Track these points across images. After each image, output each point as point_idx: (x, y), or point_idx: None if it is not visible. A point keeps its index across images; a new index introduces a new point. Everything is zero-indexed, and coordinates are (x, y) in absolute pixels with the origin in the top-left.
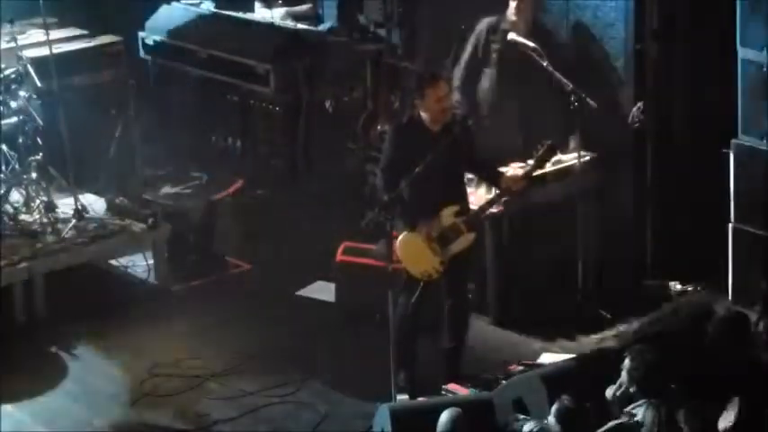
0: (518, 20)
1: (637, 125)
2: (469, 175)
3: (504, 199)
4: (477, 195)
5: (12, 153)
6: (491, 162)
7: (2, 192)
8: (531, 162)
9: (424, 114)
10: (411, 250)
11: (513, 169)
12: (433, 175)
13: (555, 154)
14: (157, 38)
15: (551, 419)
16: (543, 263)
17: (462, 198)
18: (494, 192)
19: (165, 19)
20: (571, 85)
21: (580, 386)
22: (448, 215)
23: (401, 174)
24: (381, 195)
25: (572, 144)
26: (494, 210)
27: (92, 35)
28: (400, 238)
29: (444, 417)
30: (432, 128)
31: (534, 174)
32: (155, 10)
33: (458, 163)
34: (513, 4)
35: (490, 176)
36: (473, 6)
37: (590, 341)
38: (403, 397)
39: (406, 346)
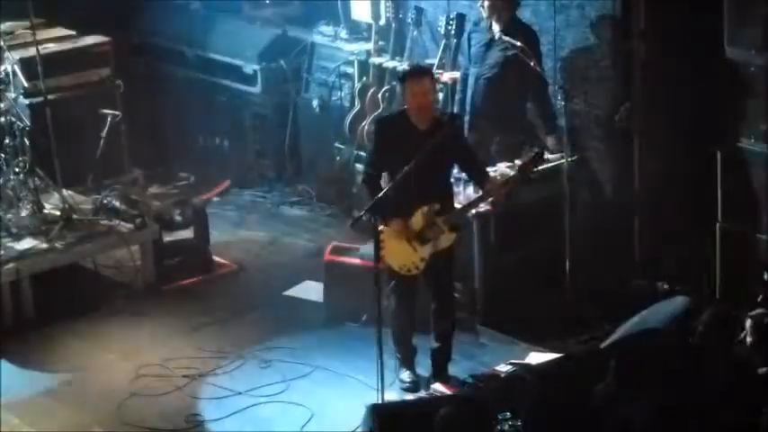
0: (491, 19)
1: (624, 124)
2: (459, 175)
3: (489, 200)
4: (466, 195)
5: None
6: (480, 163)
7: None
8: (517, 167)
9: (411, 113)
10: (392, 244)
11: (501, 169)
12: (416, 173)
13: (542, 162)
14: (145, 38)
15: (524, 415)
16: (531, 262)
17: (446, 197)
18: (479, 192)
19: (152, 19)
20: (558, 85)
21: (566, 386)
22: (424, 214)
23: (384, 170)
24: (366, 193)
25: (550, 143)
26: (480, 208)
27: (79, 35)
28: (384, 231)
29: (443, 413)
30: (418, 126)
31: (520, 180)
32: (142, 10)
33: (443, 162)
34: (486, 4)
35: (478, 178)
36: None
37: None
38: (391, 396)
39: (404, 343)
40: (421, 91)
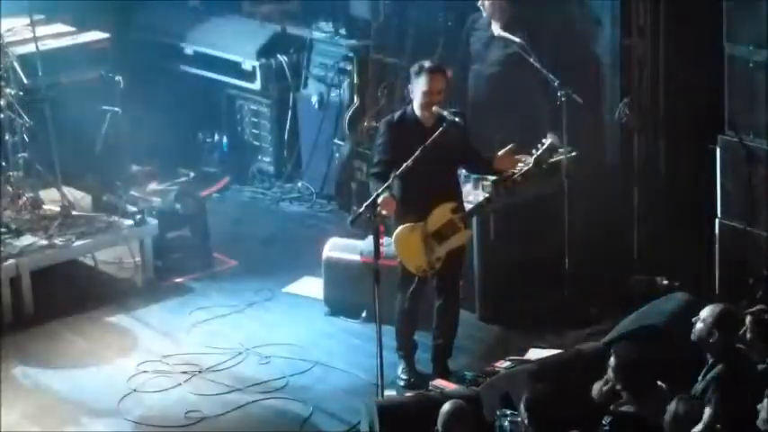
0: (492, 17)
1: (623, 121)
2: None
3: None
4: (466, 192)
5: None
6: (482, 156)
7: None
8: (530, 160)
9: (416, 109)
10: (407, 245)
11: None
12: (426, 170)
13: (556, 152)
14: (144, 34)
15: (522, 408)
16: (530, 259)
17: (457, 194)
18: (485, 191)
19: (151, 15)
20: (557, 81)
21: (566, 382)
22: (445, 211)
23: (393, 169)
24: (372, 192)
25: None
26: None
27: (79, 32)
28: (396, 232)
29: (446, 408)
30: (424, 123)
31: (534, 170)
32: (142, 6)
33: (450, 159)
34: (486, 3)
35: (483, 167)
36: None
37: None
38: (391, 392)
39: (407, 339)
40: (436, 89)
